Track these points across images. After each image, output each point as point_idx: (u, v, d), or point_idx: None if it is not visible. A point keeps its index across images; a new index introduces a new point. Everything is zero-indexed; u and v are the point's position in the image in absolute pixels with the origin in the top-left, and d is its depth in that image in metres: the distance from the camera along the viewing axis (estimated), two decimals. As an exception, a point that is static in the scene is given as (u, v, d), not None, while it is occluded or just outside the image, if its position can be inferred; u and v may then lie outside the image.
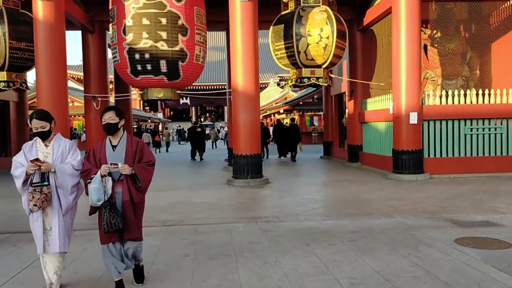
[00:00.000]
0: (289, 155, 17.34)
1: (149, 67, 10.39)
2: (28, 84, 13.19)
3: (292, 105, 33.02)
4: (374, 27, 13.45)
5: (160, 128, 46.31)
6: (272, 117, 38.67)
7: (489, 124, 10.97)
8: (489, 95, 11.02)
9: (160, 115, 52.91)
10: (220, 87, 30.35)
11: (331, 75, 12.71)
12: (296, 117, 30.24)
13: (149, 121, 43.51)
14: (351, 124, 14.68)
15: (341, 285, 3.72)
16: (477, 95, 10.99)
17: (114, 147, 3.66)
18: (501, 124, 10.99)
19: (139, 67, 10.46)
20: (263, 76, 44.23)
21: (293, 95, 37.90)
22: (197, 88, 34.64)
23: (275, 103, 39.49)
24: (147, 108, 53.22)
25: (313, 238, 5.30)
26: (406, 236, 5.31)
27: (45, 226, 3.56)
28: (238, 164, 10.39)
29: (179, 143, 39.92)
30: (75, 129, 30.85)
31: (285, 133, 17.38)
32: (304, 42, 11.46)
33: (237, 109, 10.49)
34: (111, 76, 18.43)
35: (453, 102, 10.93)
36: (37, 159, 3.41)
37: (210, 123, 55.59)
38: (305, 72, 11.91)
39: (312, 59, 11.64)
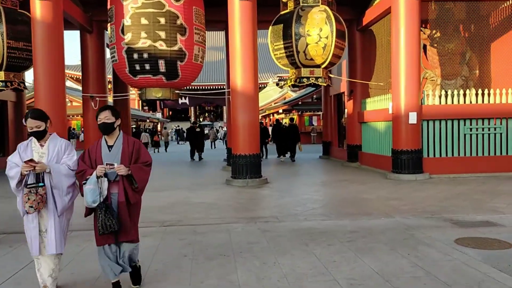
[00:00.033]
0: (288, 155, 17.32)
1: (147, 67, 10.36)
2: (26, 84, 13.16)
3: (291, 105, 33.02)
4: (373, 27, 13.43)
5: (159, 128, 46.27)
6: (271, 117, 38.66)
7: (489, 124, 10.95)
8: (489, 95, 11.00)
9: (159, 115, 52.86)
10: (219, 87, 30.31)
11: (330, 75, 12.70)
12: (295, 117, 30.24)
13: (147, 121, 43.47)
14: (350, 124, 14.66)
15: (341, 286, 3.69)
16: (476, 95, 10.98)
17: (110, 147, 3.58)
18: (501, 124, 10.98)
19: (137, 67, 10.43)
20: (262, 76, 44.21)
21: (292, 95, 37.88)
22: (196, 88, 34.60)
23: (274, 103, 39.48)
24: (146, 108, 53.15)
25: (312, 238, 5.28)
26: (405, 236, 5.29)
27: (40, 227, 3.49)
28: (237, 164, 10.36)
29: (178, 143, 39.89)
30: (74, 129, 30.83)
31: (284, 133, 17.36)
32: (303, 42, 11.44)
33: (236, 109, 10.46)
34: (109, 76, 18.36)
35: (452, 102, 10.92)
36: (31, 160, 3.35)
37: (209, 123, 55.56)
38: (304, 72, 11.90)
39: (311, 59, 11.62)
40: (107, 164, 3.41)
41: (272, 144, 20.36)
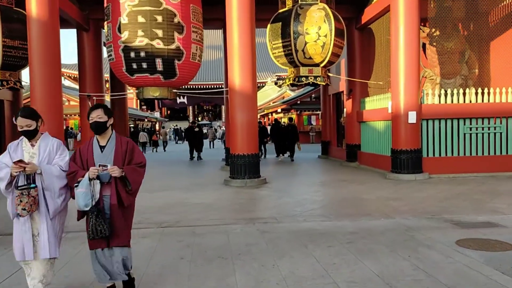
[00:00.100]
0: (287, 155, 17.25)
1: (144, 65, 10.26)
2: (23, 83, 13.04)
3: (290, 104, 32.92)
4: (372, 25, 13.36)
5: (157, 128, 46.15)
6: (270, 116, 38.58)
7: (488, 123, 10.89)
8: (488, 94, 10.94)
9: (157, 114, 52.75)
10: (218, 86, 30.22)
11: (329, 74, 12.62)
12: (294, 116, 30.17)
13: (146, 120, 43.35)
14: (349, 123, 14.60)
15: (341, 289, 3.62)
16: (476, 94, 10.92)
17: (102, 147, 3.45)
18: (500, 123, 10.92)
19: (134, 66, 10.33)
20: (261, 75, 44.06)
21: (290, 94, 37.80)
22: (194, 87, 34.50)
23: (273, 102, 39.39)
24: (144, 107, 53.00)
25: (312, 239, 5.20)
26: (405, 237, 5.22)
27: (33, 231, 3.34)
28: (235, 164, 10.28)
29: (176, 142, 39.81)
30: (71, 128, 30.68)
31: (283, 133, 17.29)
32: (302, 40, 11.36)
33: (234, 108, 10.38)
34: (107, 75, 18.27)
35: (452, 101, 10.85)
36: (20, 161, 3.21)
37: (208, 122, 55.45)
38: (303, 70, 11.82)
39: (310, 58, 11.54)
40: (100, 166, 3.29)
41: (270, 143, 20.29)
